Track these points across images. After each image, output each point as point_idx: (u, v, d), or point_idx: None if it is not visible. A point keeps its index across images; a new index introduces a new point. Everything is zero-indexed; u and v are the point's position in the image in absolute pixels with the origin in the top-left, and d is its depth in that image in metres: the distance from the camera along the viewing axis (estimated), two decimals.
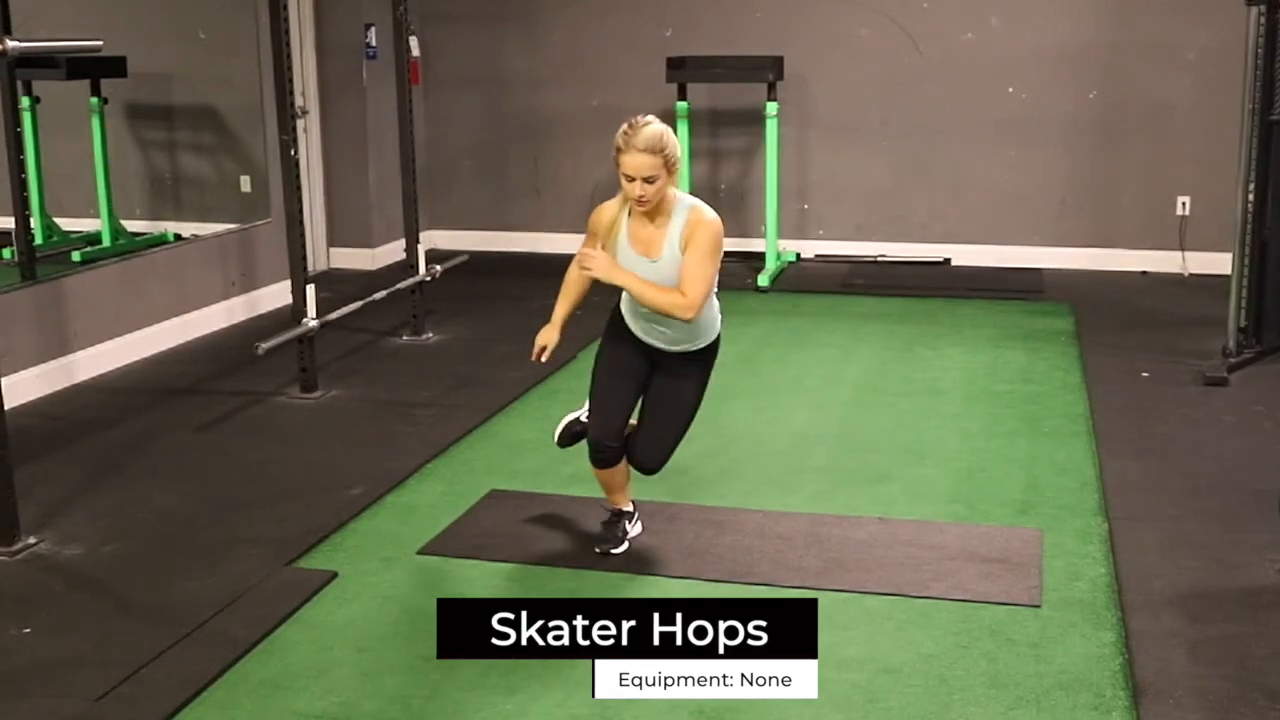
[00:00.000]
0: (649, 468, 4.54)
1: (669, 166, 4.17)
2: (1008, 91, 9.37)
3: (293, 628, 4.10)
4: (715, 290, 4.39)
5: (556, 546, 4.68)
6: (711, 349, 4.52)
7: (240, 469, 5.52)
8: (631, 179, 4.15)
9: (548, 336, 4.60)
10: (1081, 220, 9.44)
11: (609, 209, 4.39)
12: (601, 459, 4.50)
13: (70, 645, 3.97)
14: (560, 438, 4.77)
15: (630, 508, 4.72)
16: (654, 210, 4.25)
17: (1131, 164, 9.30)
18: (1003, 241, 9.55)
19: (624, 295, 4.47)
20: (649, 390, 4.51)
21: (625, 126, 4.18)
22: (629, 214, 4.32)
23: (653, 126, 4.16)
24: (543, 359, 4.58)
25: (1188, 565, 4.44)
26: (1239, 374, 6.61)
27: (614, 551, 4.60)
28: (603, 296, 4.62)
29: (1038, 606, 4.17)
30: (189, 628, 4.05)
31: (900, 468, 5.48)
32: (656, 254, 4.28)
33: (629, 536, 4.67)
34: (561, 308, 4.63)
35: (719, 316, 4.51)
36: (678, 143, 4.22)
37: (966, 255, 9.57)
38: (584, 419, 4.68)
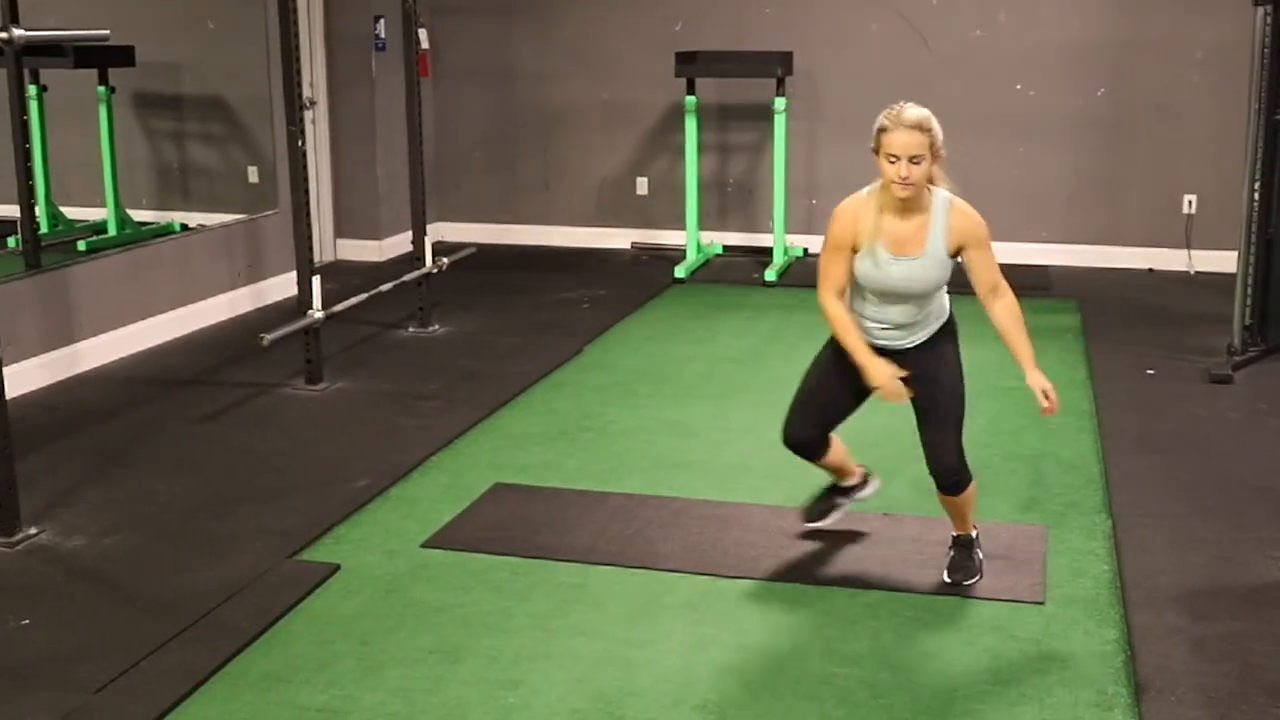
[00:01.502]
0: (939, 469, 4.25)
1: (934, 149, 3.99)
2: (1016, 88, 9.36)
3: (295, 620, 4.10)
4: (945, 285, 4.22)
5: (561, 540, 4.68)
6: (949, 325, 4.31)
7: (244, 460, 5.52)
8: (896, 159, 3.97)
9: (889, 377, 4.16)
10: (1088, 217, 9.43)
11: (850, 210, 4.15)
12: (805, 453, 4.47)
13: (71, 637, 3.97)
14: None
15: (851, 481, 4.69)
16: (911, 202, 4.06)
17: (1139, 161, 9.29)
18: (1010, 238, 9.51)
19: (853, 303, 4.25)
20: (912, 397, 4.25)
21: (888, 109, 4.04)
22: (880, 210, 4.10)
23: (918, 107, 4.02)
24: (902, 401, 4.22)
25: (1191, 562, 4.44)
26: (1244, 372, 6.60)
27: (812, 524, 4.67)
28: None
29: (1041, 603, 4.17)
30: (190, 619, 4.05)
31: (905, 463, 5.46)
32: (917, 250, 4.07)
33: (864, 495, 4.74)
34: (861, 348, 4.19)
35: (947, 299, 4.31)
36: (940, 128, 4.04)
37: None
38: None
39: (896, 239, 4.09)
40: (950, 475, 4.26)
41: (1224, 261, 8.45)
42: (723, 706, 3.58)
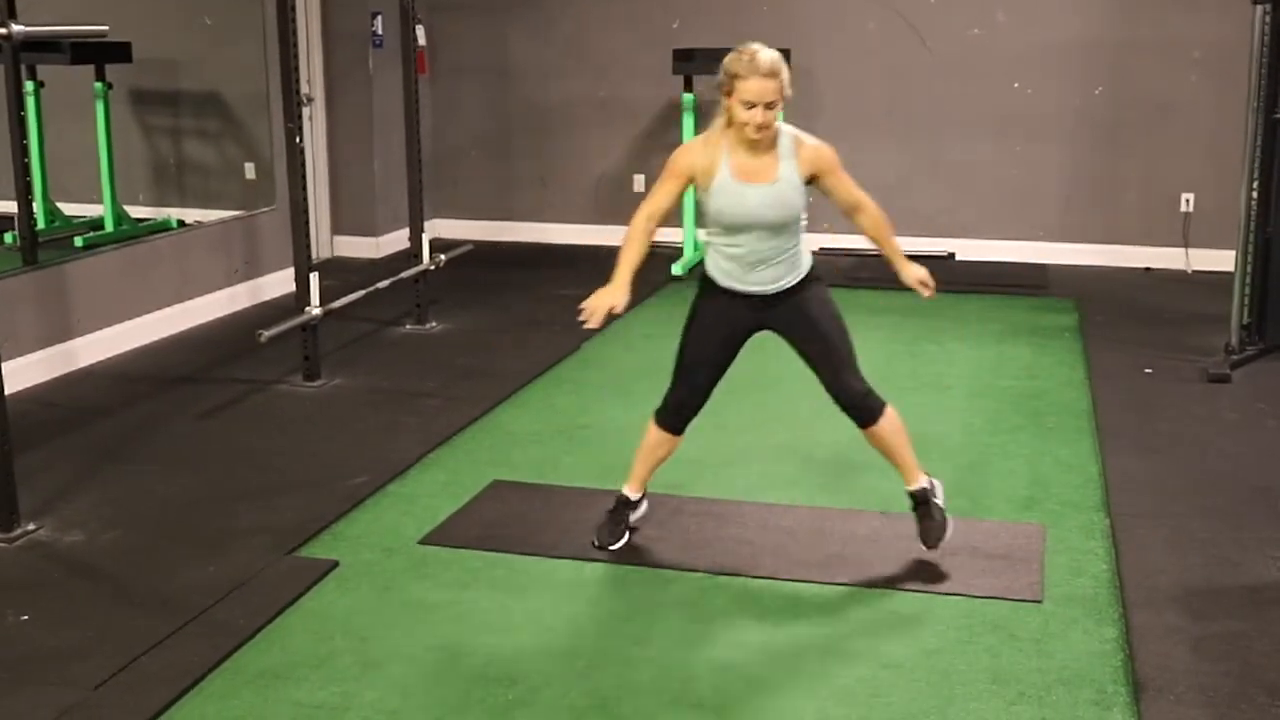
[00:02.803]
0: (855, 394, 4.35)
1: (783, 92, 4.10)
2: (1013, 87, 9.36)
3: (293, 617, 4.10)
4: (805, 220, 4.32)
5: (558, 538, 4.67)
6: (814, 272, 4.37)
7: (242, 457, 5.51)
8: (752, 105, 4.04)
9: (615, 298, 4.15)
10: (1086, 216, 9.43)
11: (696, 148, 4.25)
12: (674, 422, 4.45)
13: (69, 633, 3.96)
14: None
15: (637, 497, 4.65)
16: (762, 140, 4.14)
17: (1136, 160, 9.29)
18: (1007, 237, 9.54)
19: (712, 256, 4.34)
20: (796, 343, 4.37)
21: (737, 53, 4.09)
22: (728, 148, 4.19)
23: (768, 50, 4.08)
24: (592, 324, 4.11)
25: (1190, 562, 4.44)
26: (1242, 371, 6.60)
27: (612, 547, 4.55)
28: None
29: (1040, 602, 4.17)
30: (189, 616, 4.04)
31: None
32: (770, 178, 4.16)
33: (630, 526, 4.63)
34: (627, 268, 4.21)
35: (808, 252, 4.39)
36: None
37: (971, 250, 9.56)
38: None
39: (747, 171, 4.20)
40: (861, 398, 4.38)
41: (1222, 260, 8.45)
42: (721, 704, 3.58)
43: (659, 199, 4.28)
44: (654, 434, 4.54)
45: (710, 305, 4.39)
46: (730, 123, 4.17)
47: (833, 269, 9.23)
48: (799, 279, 4.33)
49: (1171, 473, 5.29)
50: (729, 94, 4.10)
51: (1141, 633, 3.93)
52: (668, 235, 9.84)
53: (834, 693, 3.63)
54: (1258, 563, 4.43)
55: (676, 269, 8.92)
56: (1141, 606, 4.09)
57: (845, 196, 4.32)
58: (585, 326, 4.13)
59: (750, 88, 4.04)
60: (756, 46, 4.11)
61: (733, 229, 4.25)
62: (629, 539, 4.61)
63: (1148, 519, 4.79)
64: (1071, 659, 3.82)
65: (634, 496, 4.65)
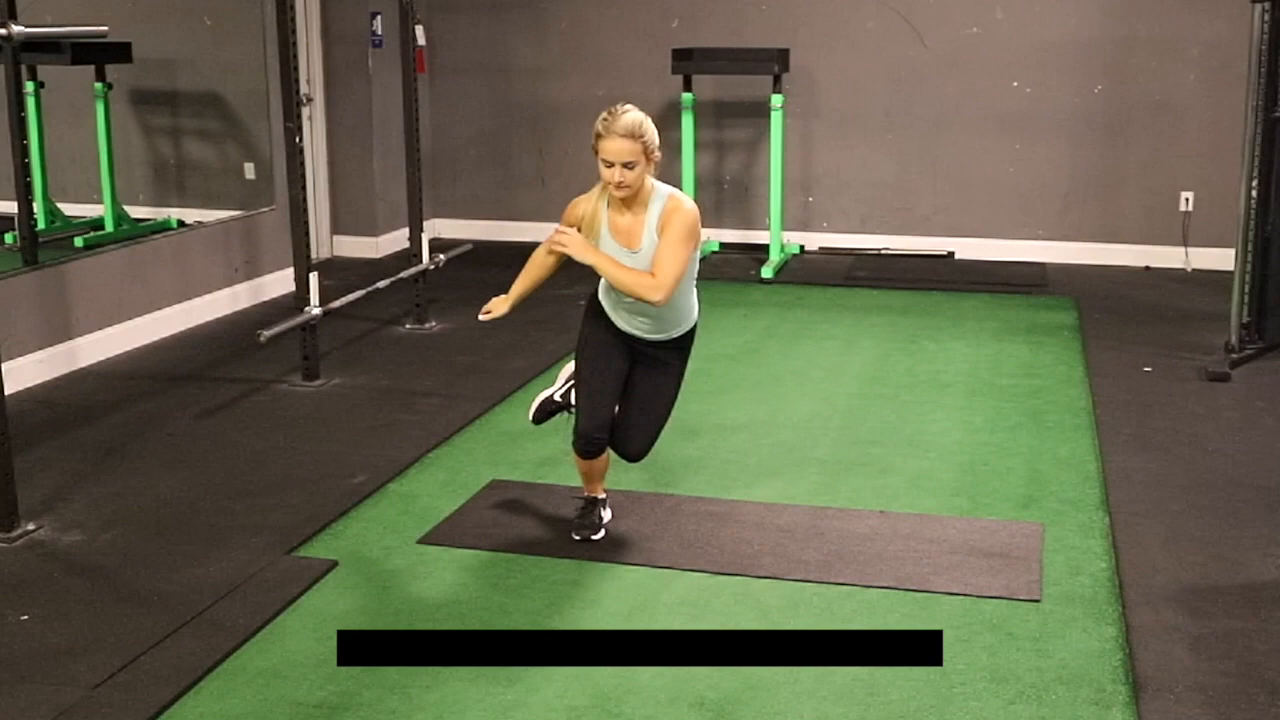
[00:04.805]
0: (635, 454, 4.59)
1: (648, 153, 4.23)
2: (1012, 85, 9.36)
3: (292, 616, 4.10)
4: (695, 280, 4.47)
5: (557, 537, 4.67)
6: (689, 336, 4.57)
7: (241, 457, 5.51)
8: (610, 164, 4.20)
9: (498, 305, 4.63)
10: (1085, 215, 9.43)
11: (584, 202, 4.42)
12: (589, 450, 4.52)
13: (69, 632, 3.96)
14: (535, 414, 4.84)
15: (604, 495, 4.75)
16: (632, 199, 4.29)
17: (1135, 159, 9.29)
18: (1006, 235, 9.54)
19: (602, 285, 4.50)
20: (630, 380, 4.54)
21: (605, 113, 4.24)
22: (607, 205, 4.35)
23: (632, 113, 4.22)
24: (482, 318, 4.63)
25: (1189, 560, 4.44)
26: (1241, 369, 6.61)
27: (594, 538, 4.63)
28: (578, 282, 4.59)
29: (1038, 601, 4.17)
30: (188, 616, 4.05)
31: (902, 461, 5.47)
32: (637, 244, 4.33)
33: (605, 523, 4.71)
34: (519, 285, 4.63)
35: (696, 306, 4.55)
36: (655, 131, 4.26)
37: (970, 249, 9.57)
38: (558, 397, 4.79)
39: (622, 230, 4.36)
40: (634, 460, 4.61)
41: (1221, 259, 8.46)
42: (720, 703, 3.58)
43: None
44: (582, 463, 4.64)
45: (600, 331, 4.54)
46: None
47: (831, 268, 9.25)
48: (675, 336, 4.51)
49: (1171, 471, 5.29)
50: (596, 152, 4.24)
51: (1140, 631, 3.93)
52: None
53: (832, 691, 3.64)
54: (1256, 561, 4.44)
55: None
56: (1140, 605, 4.10)
57: (657, 257, 4.26)
58: (481, 319, 4.64)
59: (608, 147, 4.19)
60: (626, 108, 4.24)
61: (610, 287, 4.43)
62: (605, 532, 4.69)
63: (1147, 517, 4.80)
64: (1070, 658, 3.82)
65: (600, 496, 4.75)
